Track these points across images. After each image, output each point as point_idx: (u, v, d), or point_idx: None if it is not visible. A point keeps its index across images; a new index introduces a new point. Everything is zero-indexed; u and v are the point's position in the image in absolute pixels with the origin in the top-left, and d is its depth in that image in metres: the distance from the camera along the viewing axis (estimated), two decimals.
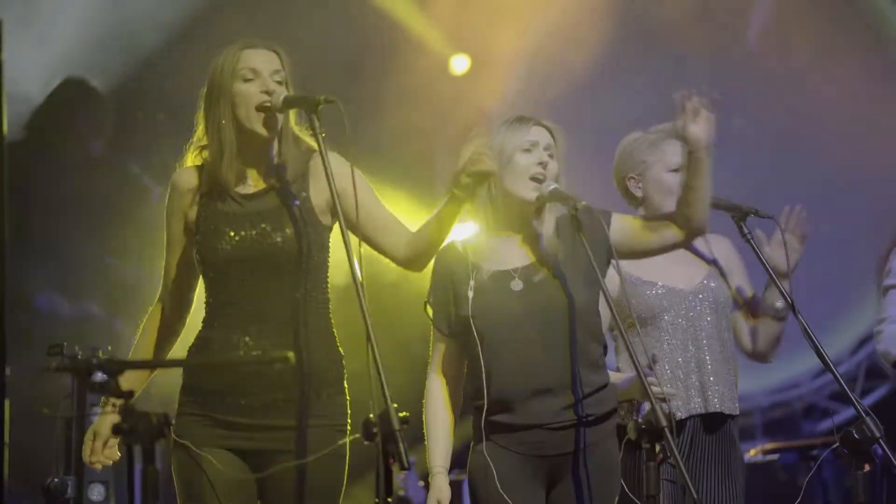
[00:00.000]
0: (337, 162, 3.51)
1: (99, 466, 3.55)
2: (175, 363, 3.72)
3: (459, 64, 8.89)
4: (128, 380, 3.51)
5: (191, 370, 3.59)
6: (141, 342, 3.68)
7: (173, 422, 3.50)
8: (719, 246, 4.47)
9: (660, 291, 4.34)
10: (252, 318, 3.51)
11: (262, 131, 3.52)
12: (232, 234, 3.52)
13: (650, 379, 3.87)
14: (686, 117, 3.74)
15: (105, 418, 3.52)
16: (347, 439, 3.51)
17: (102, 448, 3.53)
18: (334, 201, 3.38)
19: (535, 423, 3.76)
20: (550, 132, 3.89)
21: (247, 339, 3.50)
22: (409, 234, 3.61)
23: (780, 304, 4.38)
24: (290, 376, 3.49)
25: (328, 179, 3.38)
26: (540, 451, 3.77)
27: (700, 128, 3.75)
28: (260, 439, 3.51)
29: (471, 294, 3.80)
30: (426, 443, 3.86)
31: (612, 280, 4.03)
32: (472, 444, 3.86)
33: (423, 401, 3.88)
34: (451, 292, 3.85)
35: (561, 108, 7.65)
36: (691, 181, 3.80)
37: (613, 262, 3.87)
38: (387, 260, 3.66)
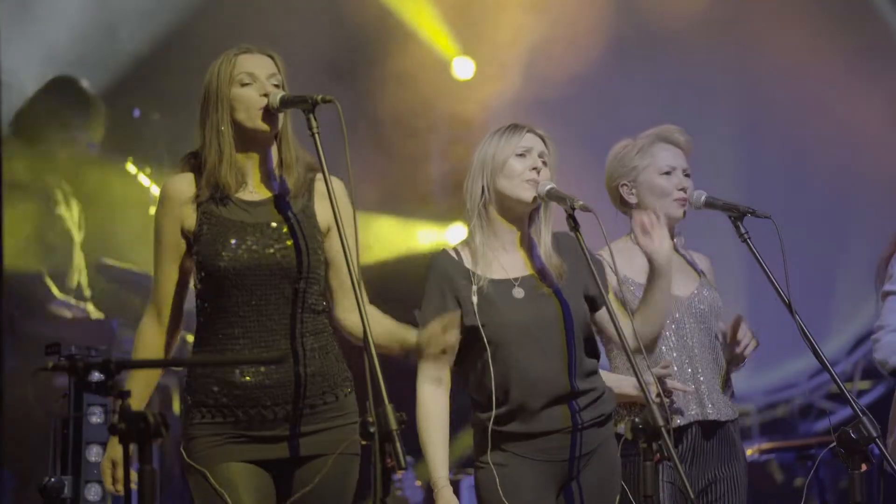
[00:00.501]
0: (338, 185, 3.50)
1: (122, 491, 3.50)
2: (173, 363, 3.70)
3: (460, 65, 8.87)
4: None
5: (199, 389, 3.51)
6: (139, 353, 3.61)
7: (183, 444, 3.50)
8: (702, 263, 4.47)
9: None
10: (257, 328, 3.48)
11: (263, 127, 3.50)
12: (237, 243, 3.48)
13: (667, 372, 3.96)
14: (639, 232, 3.85)
15: (116, 443, 3.47)
16: (351, 439, 3.49)
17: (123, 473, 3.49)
18: (338, 225, 3.37)
19: (552, 428, 3.75)
20: (543, 140, 3.87)
21: (256, 350, 3.47)
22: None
23: (738, 350, 4.41)
24: (303, 384, 3.47)
25: (331, 202, 3.38)
26: (555, 457, 3.76)
27: (652, 240, 3.83)
28: (285, 448, 3.49)
29: (475, 299, 3.78)
30: (425, 453, 3.77)
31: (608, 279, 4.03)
32: (476, 455, 3.81)
33: (418, 411, 3.77)
34: (451, 300, 3.79)
35: (561, 109, 7.65)
36: (647, 295, 3.88)
37: (610, 263, 3.93)
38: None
